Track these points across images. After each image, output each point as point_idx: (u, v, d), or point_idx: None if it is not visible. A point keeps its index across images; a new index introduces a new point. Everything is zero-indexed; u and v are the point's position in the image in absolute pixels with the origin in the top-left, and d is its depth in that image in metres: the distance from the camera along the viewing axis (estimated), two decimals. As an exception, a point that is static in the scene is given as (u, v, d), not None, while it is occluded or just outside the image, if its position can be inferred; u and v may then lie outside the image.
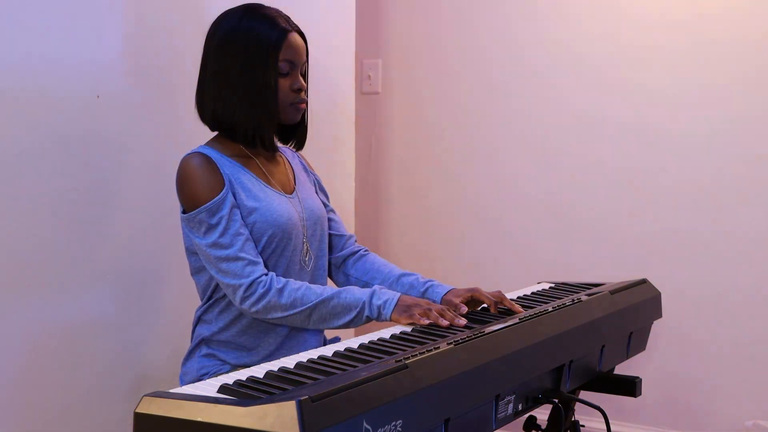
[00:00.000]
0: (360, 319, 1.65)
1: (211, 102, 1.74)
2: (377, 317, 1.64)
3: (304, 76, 1.79)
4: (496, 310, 1.69)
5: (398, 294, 1.64)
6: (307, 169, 1.95)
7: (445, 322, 1.56)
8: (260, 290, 1.64)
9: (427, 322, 1.57)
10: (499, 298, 1.71)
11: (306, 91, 1.78)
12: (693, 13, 2.69)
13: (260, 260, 1.67)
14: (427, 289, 1.80)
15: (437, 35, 3.12)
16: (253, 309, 1.65)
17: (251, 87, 1.70)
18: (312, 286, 1.67)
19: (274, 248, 1.72)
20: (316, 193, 1.91)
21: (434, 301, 1.76)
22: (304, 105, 1.77)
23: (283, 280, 1.67)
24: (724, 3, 2.65)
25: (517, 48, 2.98)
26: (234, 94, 1.71)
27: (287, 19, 1.76)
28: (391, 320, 1.62)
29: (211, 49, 1.74)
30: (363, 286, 1.83)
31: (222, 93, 1.72)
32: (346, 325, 1.66)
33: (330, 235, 1.91)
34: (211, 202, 1.65)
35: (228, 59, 1.71)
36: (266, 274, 1.66)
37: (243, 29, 1.71)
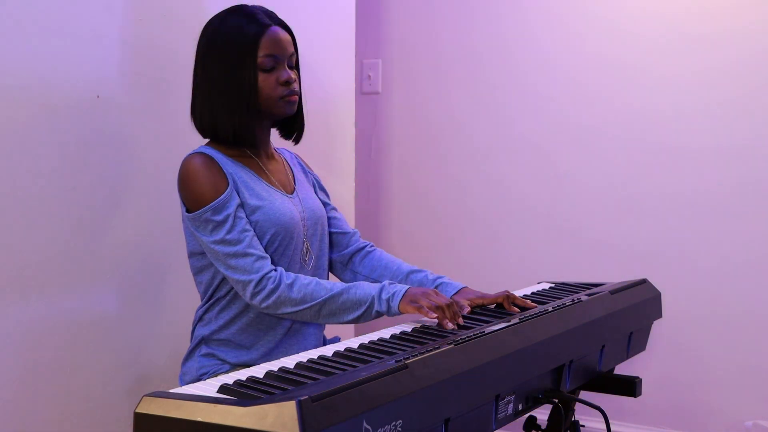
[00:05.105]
0: (369, 315, 1.64)
1: (199, 109, 1.74)
2: (387, 311, 1.63)
3: (296, 68, 1.78)
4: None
5: (407, 286, 1.64)
6: (306, 170, 1.95)
7: (449, 325, 1.54)
8: (270, 285, 1.63)
9: (434, 316, 1.56)
10: (504, 299, 1.73)
11: (299, 83, 1.76)
12: (690, 14, 2.69)
13: (268, 256, 1.67)
14: (437, 287, 1.81)
15: (437, 35, 3.12)
16: (264, 304, 1.64)
17: (232, 88, 1.69)
18: (321, 281, 1.67)
19: (277, 247, 1.72)
20: (316, 192, 1.91)
21: None
22: (295, 97, 1.75)
23: (292, 275, 1.66)
24: (722, 5, 2.66)
25: (517, 49, 2.98)
26: (217, 97, 1.70)
27: (269, 14, 1.73)
28: (399, 312, 1.62)
29: (199, 57, 1.74)
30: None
31: (207, 99, 1.72)
32: (356, 320, 1.65)
33: (333, 233, 1.91)
34: (216, 200, 1.65)
35: (211, 64, 1.71)
36: (275, 270, 1.66)
37: (223, 32, 1.70)
